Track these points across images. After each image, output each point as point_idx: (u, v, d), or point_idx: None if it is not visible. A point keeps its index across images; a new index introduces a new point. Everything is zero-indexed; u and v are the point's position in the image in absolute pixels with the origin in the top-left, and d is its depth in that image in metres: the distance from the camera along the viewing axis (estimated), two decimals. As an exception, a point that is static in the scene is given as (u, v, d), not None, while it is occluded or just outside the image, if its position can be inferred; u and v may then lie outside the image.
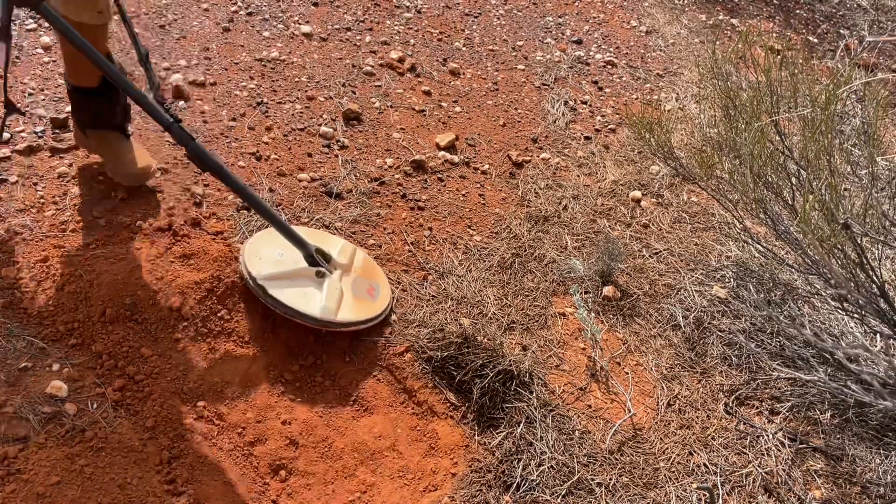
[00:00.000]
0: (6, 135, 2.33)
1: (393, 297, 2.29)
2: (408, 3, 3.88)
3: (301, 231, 2.22)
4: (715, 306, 2.48)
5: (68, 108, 2.51)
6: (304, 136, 2.81)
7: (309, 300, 2.10)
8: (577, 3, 4.30)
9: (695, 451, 2.04)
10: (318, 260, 2.17)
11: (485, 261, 2.51)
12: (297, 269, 2.14)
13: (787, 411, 2.18)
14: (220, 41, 3.16)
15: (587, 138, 3.23)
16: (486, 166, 2.93)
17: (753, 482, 1.98)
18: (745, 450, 2.06)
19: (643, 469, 1.97)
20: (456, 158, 2.92)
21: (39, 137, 2.37)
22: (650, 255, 2.68)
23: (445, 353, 2.14)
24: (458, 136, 3.03)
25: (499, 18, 3.99)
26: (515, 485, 1.88)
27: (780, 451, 2.06)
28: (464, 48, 3.66)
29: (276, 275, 2.09)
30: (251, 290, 2.07)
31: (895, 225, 2.01)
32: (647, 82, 3.75)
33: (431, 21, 3.80)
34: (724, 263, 2.68)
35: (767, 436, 2.10)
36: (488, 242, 2.59)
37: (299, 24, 3.43)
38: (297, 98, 2.99)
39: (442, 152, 2.91)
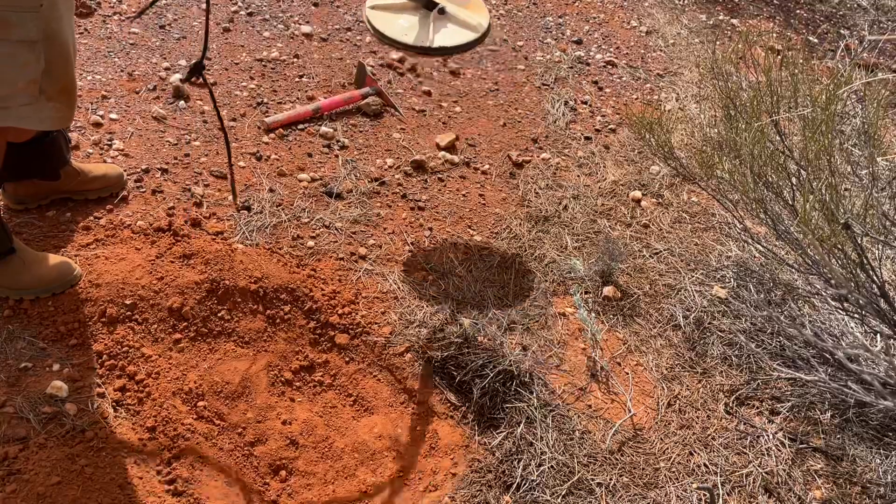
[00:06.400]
0: None
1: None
2: (408, 4, 3.88)
3: None
4: (715, 306, 2.48)
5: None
6: (304, 136, 2.81)
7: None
8: (577, 3, 4.30)
9: (695, 451, 2.04)
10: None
11: (485, 261, 2.51)
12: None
13: (787, 411, 2.18)
14: (221, 41, 3.17)
15: (587, 138, 3.23)
16: (487, 166, 2.93)
17: (753, 482, 1.98)
18: (745, 450, 2.06)
19: (643, 469, 1.97)
20: (456, 158, 2.92)
21: (39, 137, 2.37)
22: (650, 255, 2.68)
23: (446, 353, 2.14)
24: (459, 136, 3.03)
25: (499, 18, 3.98)
26: (515, 485, 1.88)
27: (780, 451, 2.06)
28: (464, 48, 3.66)
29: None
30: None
31: (895, 225, 2.01)
32: (647, 82, 3.75)
33: (431, 21, 3.79)
34: (725, 263, 2.68)
35: (768, 436, 2.10)
36: (488, 242, 2.59)
37: (299, 24, 3.43)
38: (298, 98, 2.99)
39: (442, 152, 2.91)
